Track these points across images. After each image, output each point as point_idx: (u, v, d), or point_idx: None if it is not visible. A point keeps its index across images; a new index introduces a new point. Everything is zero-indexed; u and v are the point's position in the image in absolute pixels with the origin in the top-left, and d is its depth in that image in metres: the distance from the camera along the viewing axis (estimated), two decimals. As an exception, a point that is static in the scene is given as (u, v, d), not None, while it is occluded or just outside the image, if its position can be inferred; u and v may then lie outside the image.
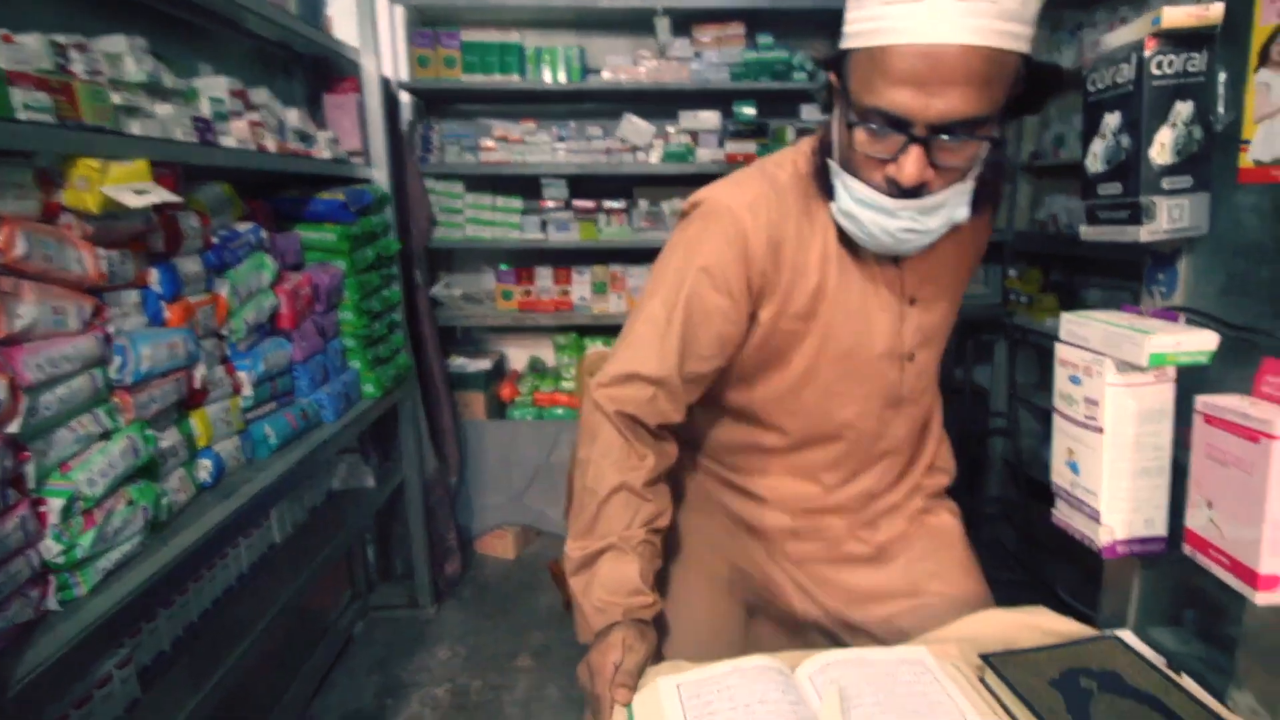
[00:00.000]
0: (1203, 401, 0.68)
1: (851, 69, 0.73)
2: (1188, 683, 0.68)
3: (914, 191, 0.73)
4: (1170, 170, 0.72)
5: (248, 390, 1.47)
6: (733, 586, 1.07)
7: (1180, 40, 0.70)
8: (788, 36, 2.52)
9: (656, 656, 0.82)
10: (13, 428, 0.87)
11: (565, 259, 2.67)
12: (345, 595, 2.20)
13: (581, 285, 2.60)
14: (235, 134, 1.44)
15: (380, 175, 2.07)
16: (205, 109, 1.35)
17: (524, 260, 2.71)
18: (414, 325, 2.34)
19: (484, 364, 2.67)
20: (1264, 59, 0.60)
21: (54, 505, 0.94)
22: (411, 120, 2.61)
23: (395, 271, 2.14)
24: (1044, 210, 2.54)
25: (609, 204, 2.60)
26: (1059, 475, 0.85)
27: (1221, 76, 0.70)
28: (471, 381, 2.63)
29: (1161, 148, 0.71)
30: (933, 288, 0.91)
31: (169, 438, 1.20)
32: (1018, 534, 2.49)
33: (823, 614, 1.00)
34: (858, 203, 0.77)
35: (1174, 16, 0.67)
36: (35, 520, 0.92)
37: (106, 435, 1.06)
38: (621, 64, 2.48)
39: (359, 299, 1.89)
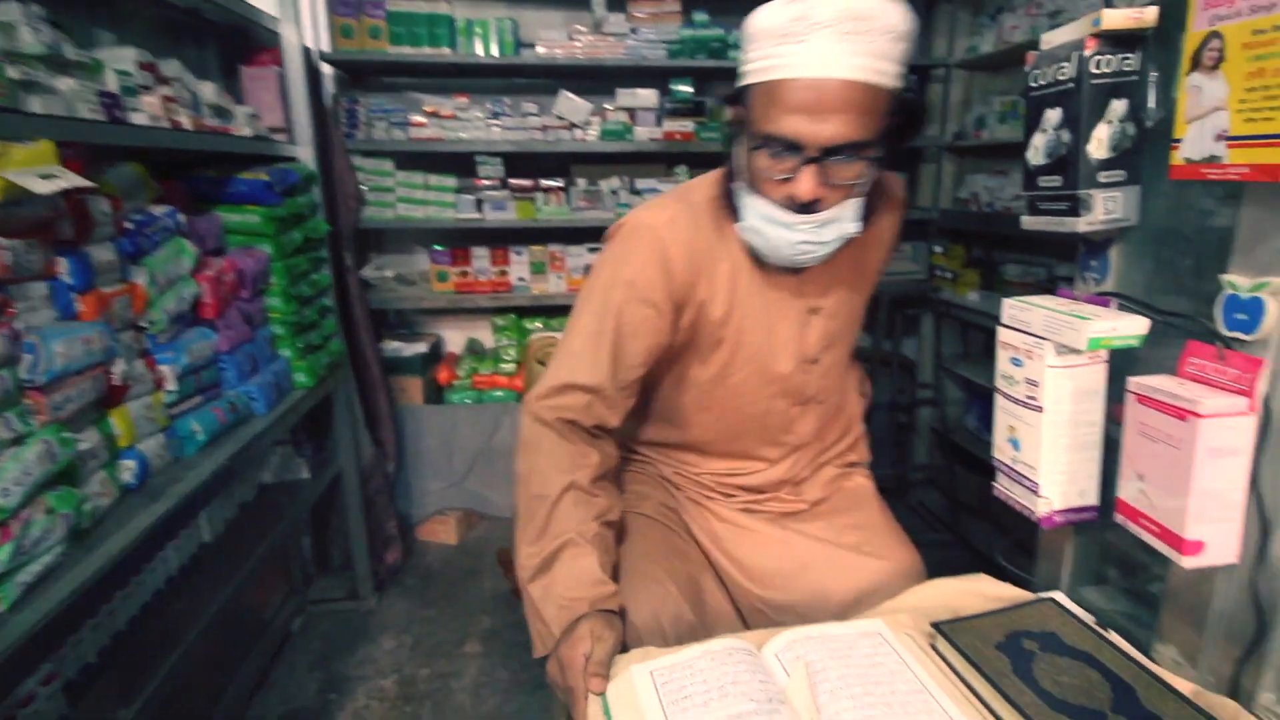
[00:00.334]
0: (1135, 382, 0.73)
1: (752, 102, 0.85)
2: (1116, 639, 0.74)
3: (809, 207, 0.84)
4: (1106, 165, 0.76)
5: (171, 384, 1.38)
6: (675, 545, 1.10)
7: (1117, 41, 0.74)
8: (723, 14, 2.51)
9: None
10: (-87, 438, 0.80)
11: (502, 239, 2.61)
12: (281, 591, 2.12)
13: (520, 266, 2.55)
14: (146, 110, 1.34)
15: (305, 153, 1.96)
16: (112, 83, 1.24)
17: (459, 241, 2.63)
18: (345, 309, 2.25)
19: (420, 347, 2.59)
20: (1195, 63, 0.64)
21: (-35, 520, 0.87)
22: (335, 94, 2.48)
23: (324, 254, 2.04)
24: (966, 189, 2.65)
25: (546, 182, 2.55)
26: (1000, 451, 0.90)
27: (1153, 76, 0.74)
28: (407, 366, 2.55)
29: (1098, 143, 0.75)
30: (833, 299, 1.02)
31: (88, 439, 1.12)
32: (944, 497, 2.63)
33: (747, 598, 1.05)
34: (762, 219, 0.87)
35: (1113, 18, 0.71)
36: (-55, 537, 0.85)
37: (19, 440, 0.98)
38: (556, 39, 2.42)
39: (287, 284, 1.80)
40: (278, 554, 2.09)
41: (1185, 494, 0.67)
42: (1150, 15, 0.72)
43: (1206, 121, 0.64)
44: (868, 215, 0.89)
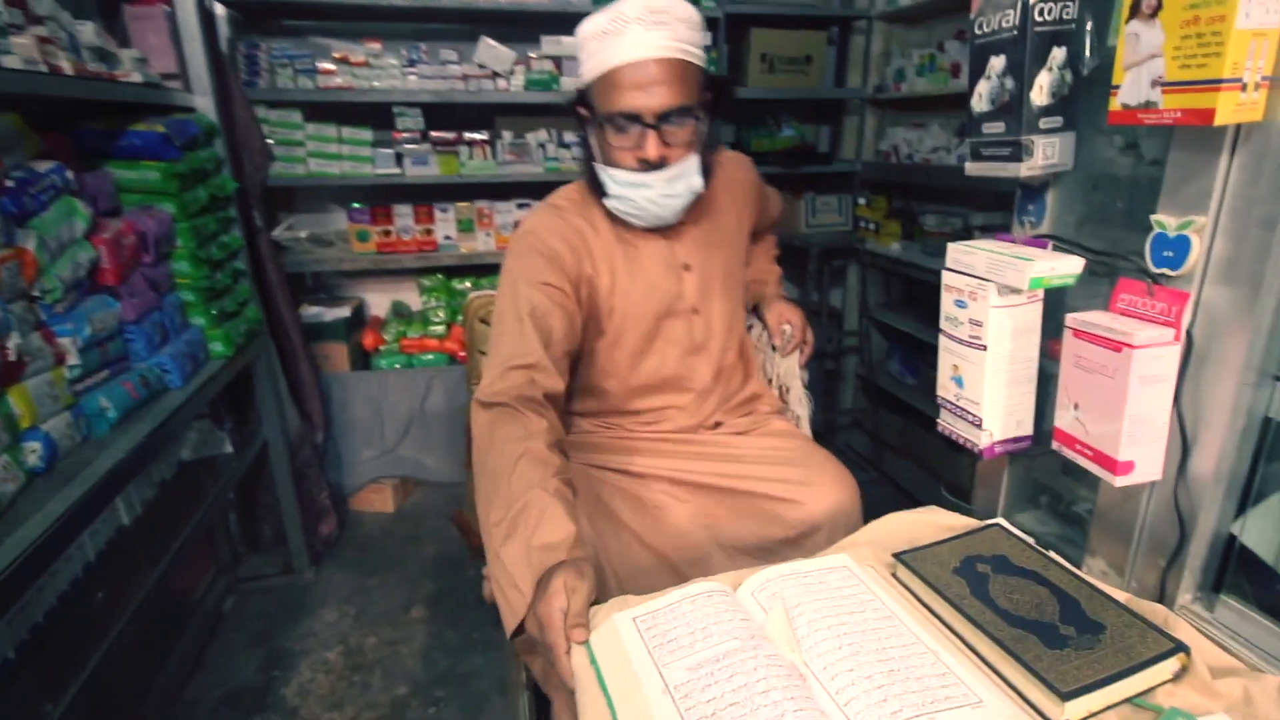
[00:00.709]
0: (1071, 318, 0.78)
1: (594, 96, 1.04)
2: (1056, 558, 0.81)
3: (659, 165, 1.03)
4: (1046, 111, 0.80)
5: (73, 358, 1.27)
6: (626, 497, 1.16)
7: (1057, -12, 0.76)
8: (646, -41, 2.44)
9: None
10: None
11: (425, 195, 2.49)
12: (210, 571, 2.02)
13: (446, 223, 2.46)
14: (18, 52, 1.19)
15: (204, 103, 1.80)
16: (-24, 19, 1.10)
17: (379, 198, 2.50)
18: (259, 274, 2.11)
19: (342, 312, 2.47)
20: (1134, 11, 0.67)
21: None
22: (231, 38, 2.28)
23: (233, 214, 1.90)
24: (886, 141, 2.73)
25: (470, 135, 2.44)
26: (944, 389, 0.95)
27: (1088, 25, 0.78)
28: (330, 331, 2.43)
29: (1040, 90, 0.78)
30: (699, 256, 1.21)
31: (-14, 421, 1.02)
32: (869, 439, 2.77)
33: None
34: (624, 185, 1.06)
35: (1057, -34, 0.73)
36: None
37: (-93, 426, 0.88)
38: (473, -20, 2.30)
39: (195, 247, 1.67)
40: (203, 533, 1.99)
41: (1119, 419, 0.73)
42: (1090, -36, 0.74)
43: (1144, 68, 0.67)
44: (706, 176, 1.09)
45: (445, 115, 2.47)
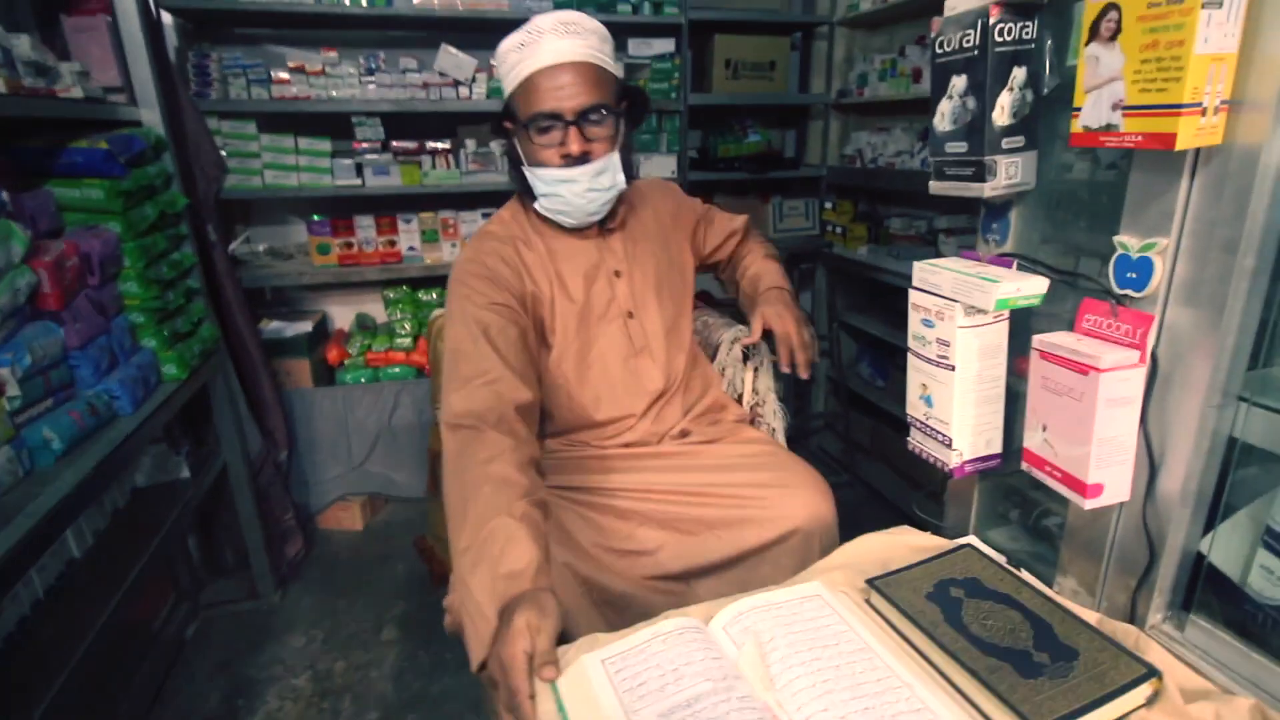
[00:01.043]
0: (1039, 340, 0.78)
1: (517, 104, 1.10)
2: (1028, 577, 0.81)
3: (582, 160, 1.09)
4: (1008, 131, 0.79)
5: (13, 389, 1.21)
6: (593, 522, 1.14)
7: (1016, 9, 0.76)
8: (609, -36, 2.42)
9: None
10: None
11: (388, 206, 2.44)
12: (169, 599, 1.95)
13: (410, 234, 2.41)
14: (-54, 68, 1.13)
15: (151, 116, 1.73)
16: (-103, 35, 1.03)
17: (340, 210, 2.44)
18: (214, 290, 2.04)
19: (304, 327, 2.41)
20: (1094, 34, 0.67)
21: None
22: (179, 47, 2.20)
23: (185, 230, 1.84)
24: (851, 145, 2.74)
25: (432, 144, 2.40)
26: (913, 408, 0.95)
27: (1048, 44, 0.77)
28: (291, 347, 2.37)
29: (1001, 110, 0.78)
30: (630, 263, 1.26)
31: (-83, 464, 0.96)
32: (840, 441, 2.78)
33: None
34: (553, 182, 1.11)
35: (1016, -14, 0.73)
36: None
37: None
38: (432, -13, 2.25)
39: (143, 266, 1.60)
40: (161, 561, 1.92)
41: (1087, 442, 0.72)
42: (1048, -16, 0.74)
43: (1104, 91, 0.67)
44: (629, 176, 1.15)
45: (406, 124, 2.42)
